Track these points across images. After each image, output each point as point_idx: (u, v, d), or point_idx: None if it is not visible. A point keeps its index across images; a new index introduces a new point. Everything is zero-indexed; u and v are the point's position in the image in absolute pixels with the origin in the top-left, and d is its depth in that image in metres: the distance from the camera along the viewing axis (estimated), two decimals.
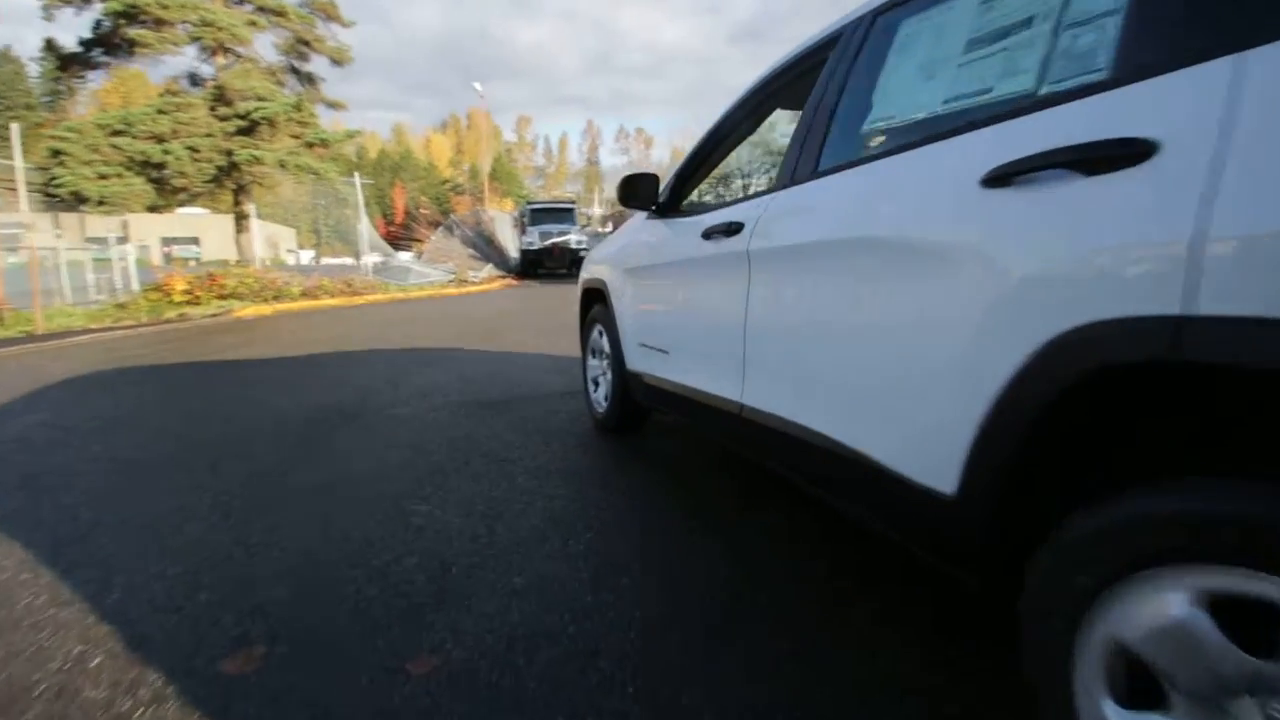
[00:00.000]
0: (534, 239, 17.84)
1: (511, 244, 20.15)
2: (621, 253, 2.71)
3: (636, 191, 2.29)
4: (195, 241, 46.29)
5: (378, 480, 2.45)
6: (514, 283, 16.51)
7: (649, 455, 2.75)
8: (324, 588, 1.68)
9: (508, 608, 1.57)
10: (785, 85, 1.92)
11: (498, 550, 1.87)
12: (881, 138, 1.40)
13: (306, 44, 15.33)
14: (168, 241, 45.44)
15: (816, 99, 1.59)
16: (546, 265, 17.89)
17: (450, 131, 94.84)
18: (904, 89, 1.37)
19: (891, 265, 1.16)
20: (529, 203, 21.39)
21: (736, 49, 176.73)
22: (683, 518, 2.08)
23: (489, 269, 17.35)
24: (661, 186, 2.33)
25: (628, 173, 2.28)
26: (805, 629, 1.46)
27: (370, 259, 16.66)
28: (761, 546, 1.87)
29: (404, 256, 18.48)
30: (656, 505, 2.19)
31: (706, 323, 1.92)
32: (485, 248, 18.84)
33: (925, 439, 1.10)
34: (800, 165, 1.58)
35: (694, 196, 2.48)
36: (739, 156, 2.27)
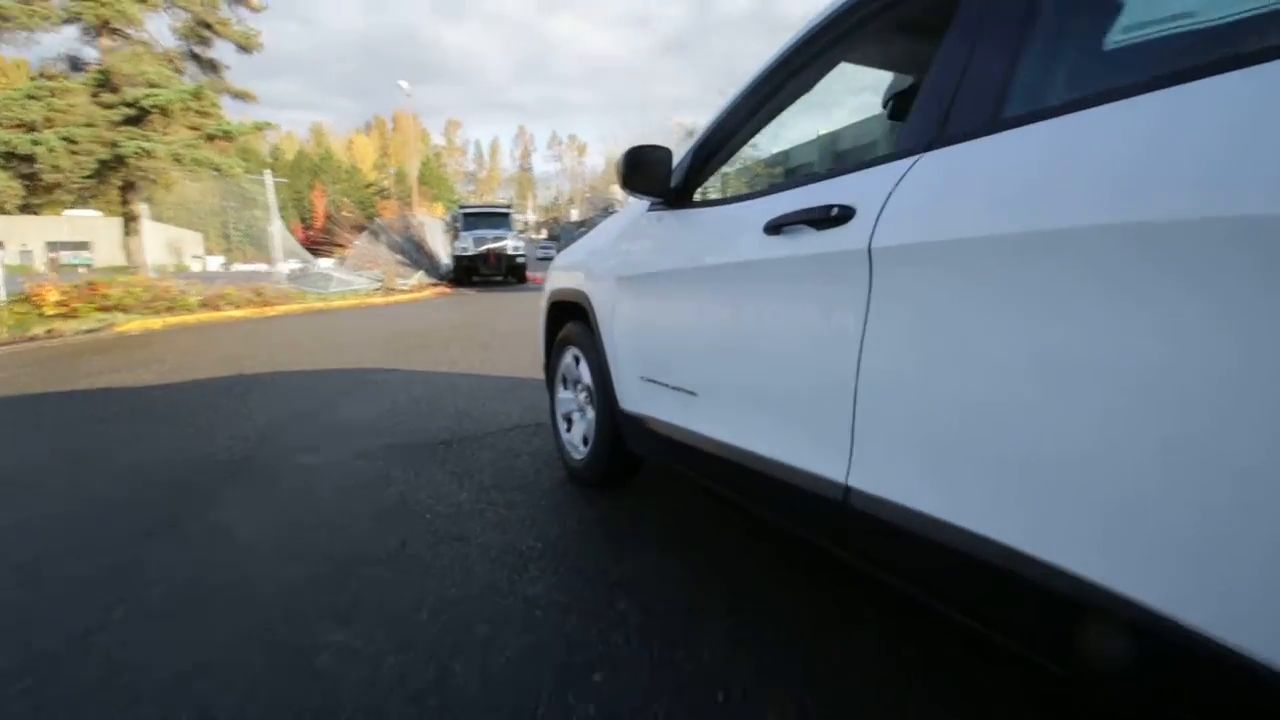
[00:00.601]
0: (468, 245, 16.95)
1: (443, 250, 19.05)
2: (611, 255, 2.06)
3: (644, 171, 1.65)
4: (86, 246, 42.27)
5: (270, 579, 1.70)
6: (447, 291, 15.46)
7: (650, 520, 2.10)
8: None
9: None
10: (860, 26, 1.32)
11: None
12: (1169, 51, 0.82)
13: (208, 27, 13.77)
14: (54, 246, 41.20)
15: (975, 17, 1.01)
16: (482, 272, 17.09)
17: (375, 134, 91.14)
18: None
19: None
20: (462, 207, 20.32)
21: (663, 62, 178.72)
22: (724, 637, 1.44)
23: (419, 276, 16.18)
24: (673, 165, 1.70)
25: (635, 144, 1.63)
26: None
27: (286, 265, 15.19)
28: (861, 688, 1.26)
29: (325, 263, 17.02)
30: (680, 608, 1.55)
31: (774, 357, 1.30)
32: (415, 254, 17.62)
33: None
34: (957, 113, 0.99)
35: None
36: (787, 125, 1.67)
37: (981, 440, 0.90)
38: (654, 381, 1.79)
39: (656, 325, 1.79)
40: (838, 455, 1.13)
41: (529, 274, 17.94)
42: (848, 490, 1.12)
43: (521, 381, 4.31)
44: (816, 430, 1.18)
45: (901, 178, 1.03)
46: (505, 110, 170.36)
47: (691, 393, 1.60)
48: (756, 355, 1.35)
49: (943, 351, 0.95)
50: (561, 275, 2.51)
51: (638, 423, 1.90)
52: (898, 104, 1.89)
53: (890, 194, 1.03)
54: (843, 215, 1.10)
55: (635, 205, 2.00)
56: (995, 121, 0.94)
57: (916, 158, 1.02)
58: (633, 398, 1.92)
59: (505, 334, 7.03)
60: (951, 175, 0.96)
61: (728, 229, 1.49)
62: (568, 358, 2.46)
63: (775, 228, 1.26)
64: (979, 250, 0.89)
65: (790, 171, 2.46)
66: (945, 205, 0.95)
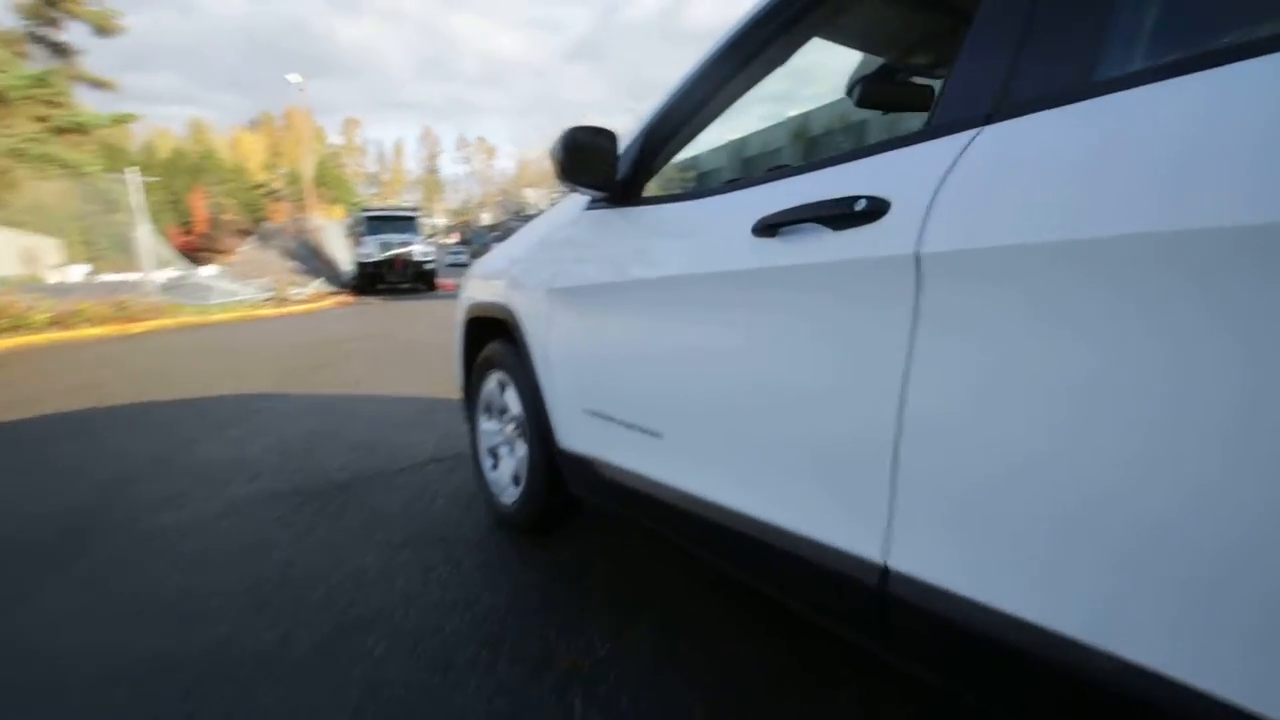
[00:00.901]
0: (372, 250, 15.89)
1: (344, 256, 17.81)
2: (543, 263, 1.72)
3: (586, 159, 1.32)
4: None
5: (82, 716, 1.23)
6: (349, 300, 14.40)
7: (595, 572, 1.77)
8: None
9: None
10: None
11: None
12: None
13: (56, 5, 12.16)
14: None
15: None
16: (388, 279, 16.09)
17: (263, 131, 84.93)
18: None
19: None
20: (364, 210, 19.06)
21: (572, 65, 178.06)
22: None
23: (317, 284, 15.01)
24: (619, 152, 1.39)
25: (575, 125, 1.30)
26: None
27: (162, 274, 13.64)
28: None
29: (206, 271, 15.46)
30: (646, 698, 1.24)
31: (773, 396, 1.01)
32: (311, 260, 16.38)
33: None
34: (1028, 73, 0.74)
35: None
36: (764, 102, 1.41)
37: (1077, 516, 0.65)
38: (602, 416, 1.47)
39: (604, 349, 1.46)
40: (871, 527, 0.85)
41: (439, 280, 17.06)
42: (886, 573, 0.85)
43: (436, 404, 3.86)
44: (837, 495, 0.90)
45: (956, 159, 0.76)
46: (408, 110, 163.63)
47: (654, 433, 1.29)
48: (747, 393, 1.05)
49: (1028, 394, 0.69)
50: (481, 286, 2.14)
51: (583, 464, 1.57)
52: (865, 89, 1.68)
53: (943, 180, 0.76)
54: (873, 210, 0.82)
55: (570, 202, 1.67)
56: (1086, 83, 0.69)
57: (976, 131, 0.76)
58: (575, 434, 1.59)
59: (415, 347, 6.47)
60: (1033, 155, 0.70)
61: (699, 230, 1.19)
62: (491, 383, 2.09)
63: (769, 228, 0.98)
64: (1082, 258, 0.63)
65: (780, 155, 2.19)
66: (1031, 196, 0.69)
